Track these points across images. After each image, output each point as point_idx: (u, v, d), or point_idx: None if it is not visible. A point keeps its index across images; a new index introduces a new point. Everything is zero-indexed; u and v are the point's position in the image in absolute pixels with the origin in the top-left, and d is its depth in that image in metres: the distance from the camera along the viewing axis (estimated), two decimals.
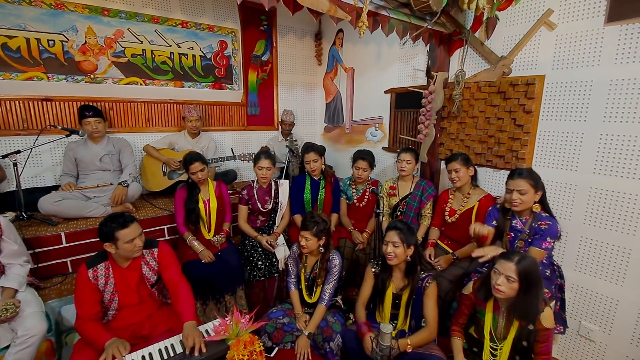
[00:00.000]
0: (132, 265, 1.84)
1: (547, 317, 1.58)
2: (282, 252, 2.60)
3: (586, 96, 2.01)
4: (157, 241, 1.95)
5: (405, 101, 3.17)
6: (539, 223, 1.90)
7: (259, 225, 2.75)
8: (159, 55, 3.20)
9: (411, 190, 2.68)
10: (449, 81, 2.71)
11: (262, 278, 2.53)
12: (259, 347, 1.67)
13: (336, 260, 2.17)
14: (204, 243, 2.51)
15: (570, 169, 2.11)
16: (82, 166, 2.79)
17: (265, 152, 2.68)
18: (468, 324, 1.87)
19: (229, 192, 2.80)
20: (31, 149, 2.43)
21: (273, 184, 2.77)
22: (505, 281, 1.57)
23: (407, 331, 1.93)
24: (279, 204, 2.72)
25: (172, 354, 1.64)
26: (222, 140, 3.67)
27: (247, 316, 1.73)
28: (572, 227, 2.12)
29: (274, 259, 2.60)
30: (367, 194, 2.86)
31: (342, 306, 2.30)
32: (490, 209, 2.18)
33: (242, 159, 3.15)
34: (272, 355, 2.05)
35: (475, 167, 2.41)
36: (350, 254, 2.75)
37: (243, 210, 2.71)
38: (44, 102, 2.79)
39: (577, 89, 2.04)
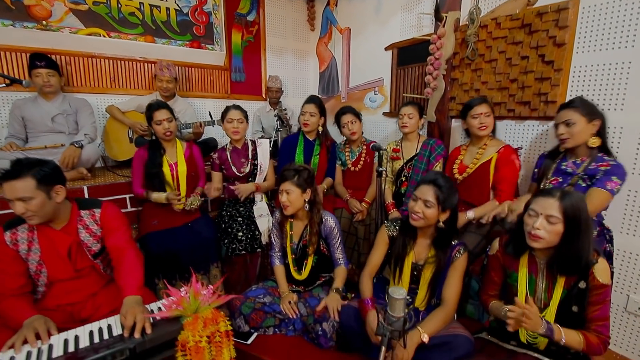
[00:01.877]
0: (65, 228, 1.43)
1: (602, 270, 1.19)
2: (265, 223, 2.19)
3: (634, 15, 1.62)
4: (100, 201, 1.54)
5: (409, 56, 2.78)
6: (598, 164, 1.50)
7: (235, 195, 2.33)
8: (126, 5, 2.79)
9: (417, 151, 2.28)
10: (460, 23, 2.32)
11: (243, 252, 2.11)
12: (226, 326, 1.24)
13: (330, 221, 1.76)
14: (173, 217, 2.10)
15: (614, 109, 1.72)
16: (30, 127, 2.37)
17: (234, 105, 2.28)
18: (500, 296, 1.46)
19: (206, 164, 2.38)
20: None
21: (250, 143, 2.35)
22: (545, 223, 1.18)
23: (423, 310, 1.52)
24: (258, 167, 2.30)
25: (106, 337, 1.21)
26: (202, 108, 3.25)
27: (211, 287, 1.31)
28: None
29: (256, 232, 2.18)
30: (364, 156, 2.46)
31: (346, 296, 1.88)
32: (537, 159, 1.81)
33: (222, 124, 2.73)
34: (248, 342, 1.62)
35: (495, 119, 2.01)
36: (348, 226, 2.34)
37: (217, 177, 2.30)
38: None
39: (621, 6, 1.66)
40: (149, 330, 1.22)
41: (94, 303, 1.50)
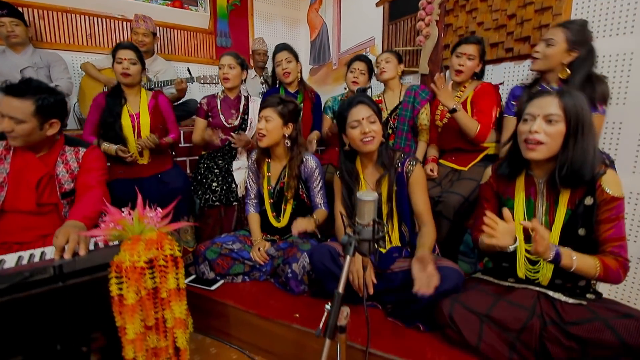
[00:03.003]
0: (44, 157, 1.36)
1: (611, 181, 1.01)
2: (242, 174, 2.01)
3: None
4: (89, 144, 1.49)
5: (400, 8, 2.61)
6: None
7: (219, 145, 2.14)
8: None
9: (401, 99, 2.10)
10: None
11: (217, 204, 1.94)
12: (172, 250, 1.07)
13: (311, 162, 1.59)
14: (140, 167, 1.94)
15: (623, 33, 1.54)
16: None
17: (228, 52, 2.12)
18: None
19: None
20: None
21: (243, 98, 2.19)
22: (544, 125, 1.01)
23: (400, 246, 1.34)
24: (248, 122, 2.12)
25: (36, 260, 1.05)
26: (184, 73, 3.09)
27: (160, 210, 1.14)
28: (629, 112, 1.54)
29: (233, 184, 2.01)
30: None
31: (319, 236, 1.71)
32: (512, 89, 1.65)
33: (202, 82, 2.57)
34: (212, 288, 1.45)
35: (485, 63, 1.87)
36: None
37: (200, 124, 2.10)
38: None
39: None
40: (82, 252, 1.06)
41: (44, 245, 1.34)
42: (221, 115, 2.06)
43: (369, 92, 2.06)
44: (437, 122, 1.92)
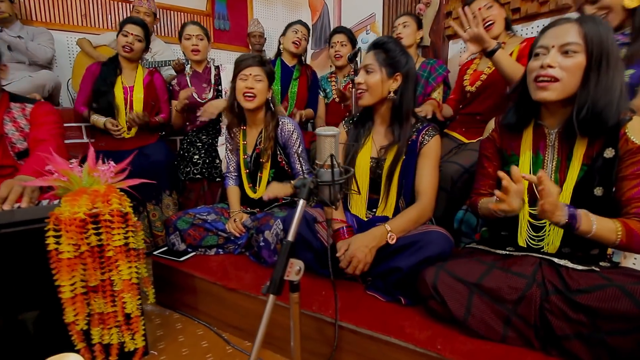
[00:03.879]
0: None
1: (639, 129, 0.82)
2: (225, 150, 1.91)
3: None
4: (36, 100, 1.41)
5: None
6: None
7: (198, 125, 2.06)
8: None
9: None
10: None
11: (199, 176, 1.84)
12: (120, 204, 0.96)
13: (289, 125, 1.46)
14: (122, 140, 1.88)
15: None
16: None
17: (192, 21, 2.06)
18: None
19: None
20: None
21: (213, 68, 2.10)
22: (559, 57, 0.83)
23: (388, 217, 1.19)
24: (223, 93, 2.03)
25: None
26: (180, 56, 3.03)
27: (113, 165, 1.04)
28: None
29: (217, 160, 1.91)
30: (351, 86, 2.15)
31: None
32: None
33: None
34: (181, 259, 1.33)
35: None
36: None
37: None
38: None
39: None
40: (24, 204, 0.96)
41: None
42: (194, 93, 1.97)
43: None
44: (468, 88, 1.65)
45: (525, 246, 0.98)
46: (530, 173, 0.96)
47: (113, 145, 1.85)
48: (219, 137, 2.00)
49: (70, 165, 0.99)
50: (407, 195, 1.17)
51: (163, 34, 2.98)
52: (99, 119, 1.84)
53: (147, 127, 1.95)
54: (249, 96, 1.39)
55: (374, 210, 1.23)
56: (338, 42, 2.07)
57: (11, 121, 1.31)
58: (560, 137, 0.93)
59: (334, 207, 0.78)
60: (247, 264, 1.30)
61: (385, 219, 1.14)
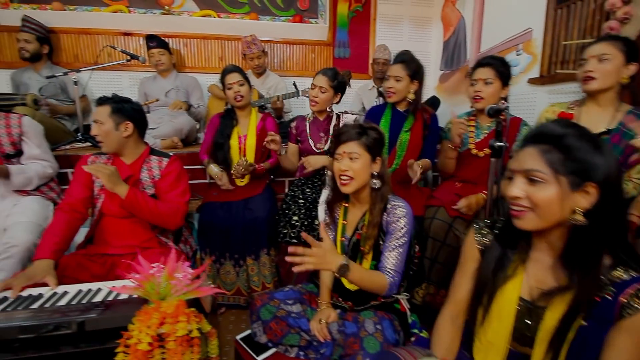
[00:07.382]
0: (134, 163, 1.47)
1: None
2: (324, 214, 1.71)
3: None
4: (170, 155, 1.56)
5: None
6: None
7: (305, 174, 1.92)
8: None
9: (613, 126, 1.33)
10: None
11: (294, 241, 1.71)
12: (188, 329, 0.85)
13: (400, 210, 1.15)
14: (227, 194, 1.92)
15: None
16: None
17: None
18: None
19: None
20: (92, 69, 2.34)
21: (334, 117, 1.93)
22: None
23: None
24: None
25: (84, 301, 1.03)
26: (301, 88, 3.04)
27: (190, 270, 0.95)
28: None
29: (316, 221, 1.75)
30: None
31: (407, 311, 1.25)
32: None
33: (307, 95, 2.41)
34: (259, 358, 1.19)
35: None
36: (444, 232, 1.60)
37: (292, 149, 1.98)
38: (124, 37, 2.77)
39: None
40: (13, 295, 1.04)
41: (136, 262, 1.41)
42: (310, 140, 1.84)
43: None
44: None
45: None
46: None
47: (224, 195, 1.90)
48: (323, 190, 1.83)
49: (153, 270, 0.95)
50: None
51: (284, 69, 3.04)
52: (212, 169, 1.91)
53: (255, 174, 1.94)
54: (344, 180, 1.14)
55: None
56: (480, 79, 1.59)
57: (147, 170, 1.49)
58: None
59: None
60: None
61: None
